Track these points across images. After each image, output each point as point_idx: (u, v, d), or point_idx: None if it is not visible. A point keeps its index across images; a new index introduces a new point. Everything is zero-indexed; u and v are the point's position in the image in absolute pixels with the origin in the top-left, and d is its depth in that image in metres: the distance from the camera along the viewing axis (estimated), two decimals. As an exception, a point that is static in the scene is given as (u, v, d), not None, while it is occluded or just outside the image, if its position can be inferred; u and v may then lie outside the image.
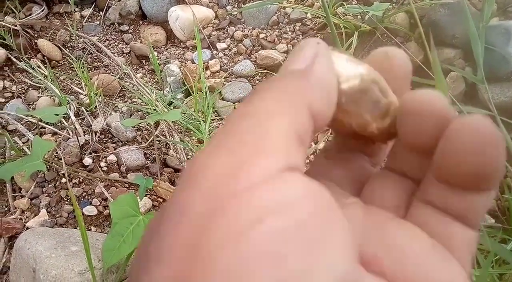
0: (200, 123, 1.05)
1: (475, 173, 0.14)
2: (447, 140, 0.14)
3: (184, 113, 1.10)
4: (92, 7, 1.40)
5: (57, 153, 0.94)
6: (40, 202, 0.87)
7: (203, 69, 1.21)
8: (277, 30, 1.26)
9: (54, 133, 1.04)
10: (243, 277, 0.10)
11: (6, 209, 0.90)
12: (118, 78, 1.20)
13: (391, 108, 0.17)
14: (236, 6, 1.34)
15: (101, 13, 1.38)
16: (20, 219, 0.85)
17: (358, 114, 0.17)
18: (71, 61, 1.25)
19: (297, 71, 0.15)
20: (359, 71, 0.16)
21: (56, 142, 0.98)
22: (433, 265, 0.14)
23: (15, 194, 0.91)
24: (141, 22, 1.37)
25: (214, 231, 0.10)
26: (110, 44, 1.33)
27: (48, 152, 0.89)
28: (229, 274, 0.10)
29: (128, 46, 1.31)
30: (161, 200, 0.93)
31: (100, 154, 0.97)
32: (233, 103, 1.17)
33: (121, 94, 1.20)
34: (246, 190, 0.11)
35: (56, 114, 0.85)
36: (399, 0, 1.04)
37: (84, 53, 1.28)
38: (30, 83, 1.20)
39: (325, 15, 1.14)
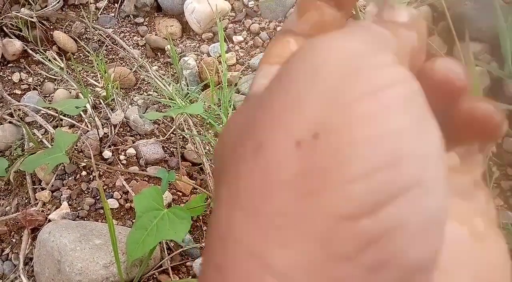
0: (218, 117, 1.04)
1: None
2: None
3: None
4: (107, -1, 1.39)
5: (77, 145, 0.94)
6: (61, 195, 0.87)
7: (219, 62, 1.20)
8: (294, 23, 1.24)
9: (72, 126, 1.04)
10: (378, 118, 0.12)
11: (26, 201, 0.90)
12: (134, 71, 1.19)
13: None
14: (252, -2, 1.32)
15: (116, 5, 1.37)
16: (42, 211, 0.85)
17: None
18: (86, 53, 1.25)
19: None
20: None
21: (73, 134, 0.97)
22: None
23: (35, 186, 0.91)
24: (156, 15, 1.36)
25: (349, 88, 0.12)
26: (125, 37, 1.32)
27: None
28: (369, 118, 0.12)
29: (143, 38, 1.31)
30: (180, 194, 0.93)
31: (119, 147, 0.97)
32: (250, 97, 1.15)
33: (136, 87, 1.20)
34: (371, 67, 0.13)
35: (77, 107, 0.84)
36: (420, -7, 1.02)
37: (100, 46, 1.28)
38: (46, 75, 1.20)
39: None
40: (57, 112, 1.03)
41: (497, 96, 0.89)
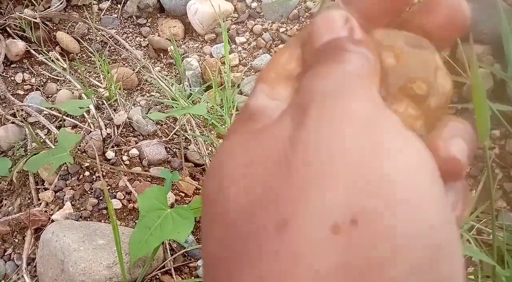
0: (221, 118, 1.04)
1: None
2: None
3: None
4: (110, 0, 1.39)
5: (80, 146, 0.94)
6: (64, 195, 0.87)
7: (222, 63, 1.20)
8: (297, 24, 1.25)
9: (74, 126, 1.04)
10: (414, 208, 0.12)
11: (29, 201, 0.90)
12: (137, 71, 1.20)
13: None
14: (255, -1, 1.33)
15: (119, 6, 1.37)
16: (45, 211, 0.85)
17: None
18: (89, 54, 1.25)
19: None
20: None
21: (76, 134, 0.97)
22: None
23: (38, 187, 0.92)
24: (159, 15, 1.36)
25: (378, 164, 0.12)
26: (128, 37, 1.32)
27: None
28: (405, 206, 0.12)
29: (146, 39, 1.31)
30: (183, 195, 0.93)
31: (122, 147, 0.97)
32: (253, 98, 1.16)
33: (139, 87, 1.20)
34: (388, 133, 0.13)
35: (81, 107, 0.84)
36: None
37: (102, 46, 1.28)
38: (49, 76, 1.20)
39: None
40: (60, 113, 1.03)
41: (500, 98, 0.89)
